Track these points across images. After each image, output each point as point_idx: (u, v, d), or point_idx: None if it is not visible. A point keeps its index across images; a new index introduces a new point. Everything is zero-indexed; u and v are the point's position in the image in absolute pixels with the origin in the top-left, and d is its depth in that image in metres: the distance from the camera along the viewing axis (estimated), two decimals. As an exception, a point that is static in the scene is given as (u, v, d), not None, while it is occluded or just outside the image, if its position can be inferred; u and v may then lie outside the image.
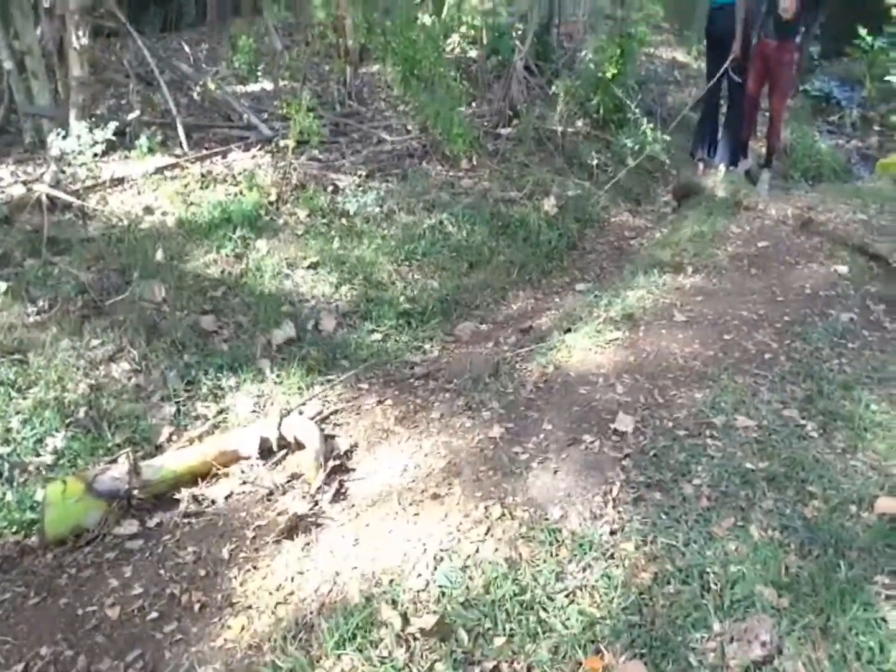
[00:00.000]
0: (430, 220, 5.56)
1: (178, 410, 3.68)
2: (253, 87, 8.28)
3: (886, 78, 9.24)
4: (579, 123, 7.65)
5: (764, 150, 7.29)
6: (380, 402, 3.80)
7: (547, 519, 2.71)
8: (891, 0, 10.23)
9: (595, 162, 7.05)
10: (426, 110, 6.41)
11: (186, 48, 8.64)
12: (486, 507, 2.81)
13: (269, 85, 8.10)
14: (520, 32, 8.51)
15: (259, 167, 5.94)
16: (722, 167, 6.76)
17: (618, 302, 4.41)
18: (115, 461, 3.14)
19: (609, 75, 7.57)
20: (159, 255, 4.62)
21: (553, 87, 7.79)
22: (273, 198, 5.53)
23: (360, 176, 6.07)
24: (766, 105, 7.20)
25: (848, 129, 9.73)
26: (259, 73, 8.16)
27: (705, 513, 2.69)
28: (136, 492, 3.02)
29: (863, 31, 10.07)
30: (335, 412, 3.72)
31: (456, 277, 5.19)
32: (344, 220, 5.46)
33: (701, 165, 7.12)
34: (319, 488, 3.06)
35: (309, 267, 4.92)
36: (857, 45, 10.18)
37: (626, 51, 7.69)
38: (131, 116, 5.87)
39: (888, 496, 2.68)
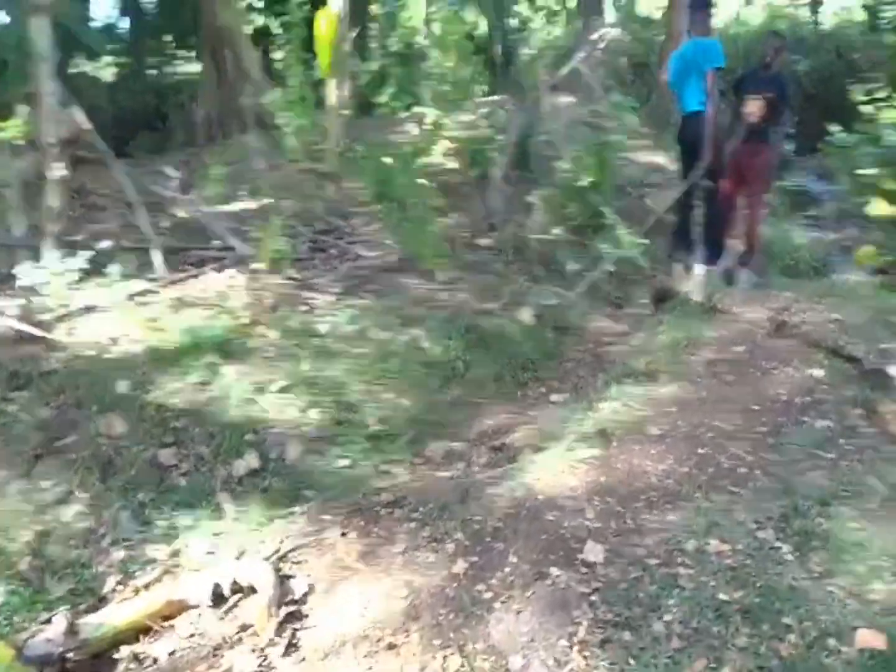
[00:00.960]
0: (404, 337, 5.49)
1: (128, 555, 3.50)
2: (237, 206, 8.41)
3: (859, 172, 9.37)
4: (557, 231, 7.69)
5: (742, 249, 7.32)
6: (343, 535, 3.61)
7: (508, 670, 2.53)
8: (860, 98, 10.57)
9: (573, 269, 7.05)
10: (398, 229, 6.46)
11: (172, 171, 8.80)
12: (444, 658, 2.63)
13: (253, 203, 8.22)
14: (499, 143, 8.71)
15: (233, 289, 5.91)
16: (699, 268, 6.75)
17: (591, 416, 4.30)
18: (49, 621, 2.95)
19: (586, 183, 7.70)
20: (122, 387, 4.52)
21: (531, 197, 7.89)
22: (245, 320, 5.47)
23: (334, 294, 6.05)
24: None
25: (826, 222, 9.82)
26: (245, 192, 8.30)
27: (676, 654, 2.51)
28: (71, 654, 2.82)
29: (835, 128, 10.31)
30: (295, 549, 3.53)
31: (428, 395, 5.07)
32: (316, 341, 5.39)
33: (679, 267, 7.11)
34: (270, 641, 2.86)
35: (277, 391, 4.81)
36: (830, 141, 10.40)
37: (603, 159, 7.85)
38: (102, 245, 5.89)
39: (868, 628, 2.49)
